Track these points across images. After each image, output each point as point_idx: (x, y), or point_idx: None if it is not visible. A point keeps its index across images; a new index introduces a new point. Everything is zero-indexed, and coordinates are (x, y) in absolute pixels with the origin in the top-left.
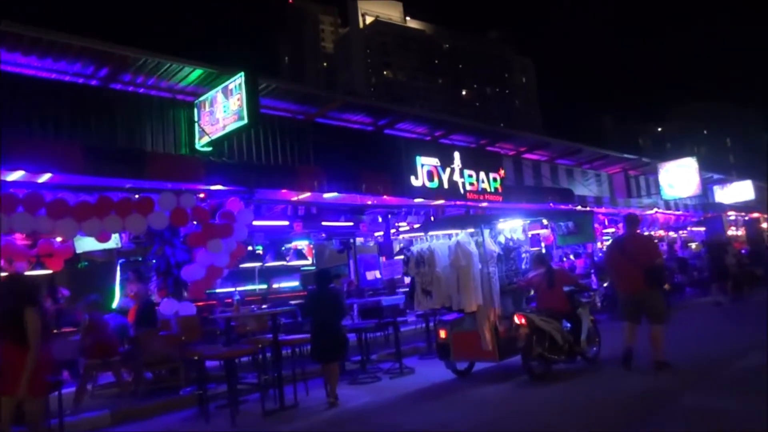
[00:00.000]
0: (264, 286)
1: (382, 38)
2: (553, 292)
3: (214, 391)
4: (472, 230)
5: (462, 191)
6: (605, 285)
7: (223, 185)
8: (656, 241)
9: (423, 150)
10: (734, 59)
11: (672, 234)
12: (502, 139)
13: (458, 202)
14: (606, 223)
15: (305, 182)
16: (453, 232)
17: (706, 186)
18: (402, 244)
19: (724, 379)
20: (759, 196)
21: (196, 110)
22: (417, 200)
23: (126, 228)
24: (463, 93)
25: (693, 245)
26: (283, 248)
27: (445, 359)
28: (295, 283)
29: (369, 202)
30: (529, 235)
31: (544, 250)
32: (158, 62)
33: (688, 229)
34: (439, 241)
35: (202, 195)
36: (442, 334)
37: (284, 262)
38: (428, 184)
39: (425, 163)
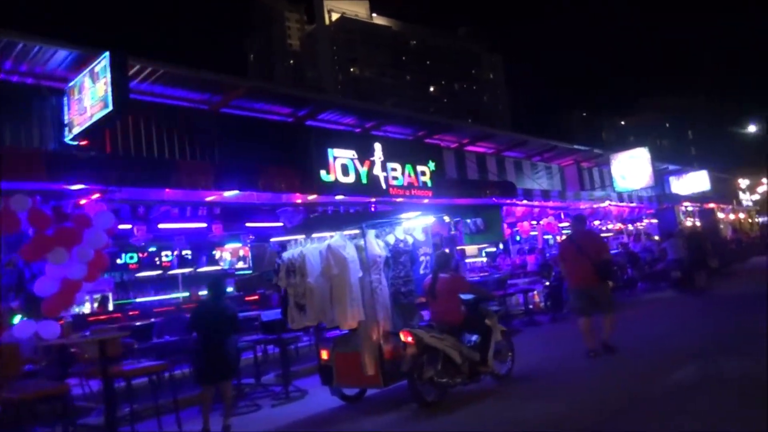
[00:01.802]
0: (186, 295)
1: (349, 35)
2: (445, 302)
3: None
4: (356, 231)
5: (384, 186)
6: (547, 283)
7: (71, 183)
8: (603, 237)
9: (337, 142)
10: (696, 53)
11: (630, 227)
12: (442, 130)
13: (378, 198)
14: (562, 216)
15: (195, 179)
16: (328, 234)
17: (663, 177)
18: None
19: (654, 399)
20: (715, 186)
21: (66, 98)
22: (339, 197)
23: None
24: (432, 89)
25: (645, 238)
26: (214, 253)
27: (328, 384)
28: (229, 289)
29: (299, 201)
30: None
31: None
32: (6, 42)
33: (645, 221)
34: (312, 246)
35: (87, 199)
36: (324, 354)
37: (213, 268)
38: (342, 179)
39: (339, 155)
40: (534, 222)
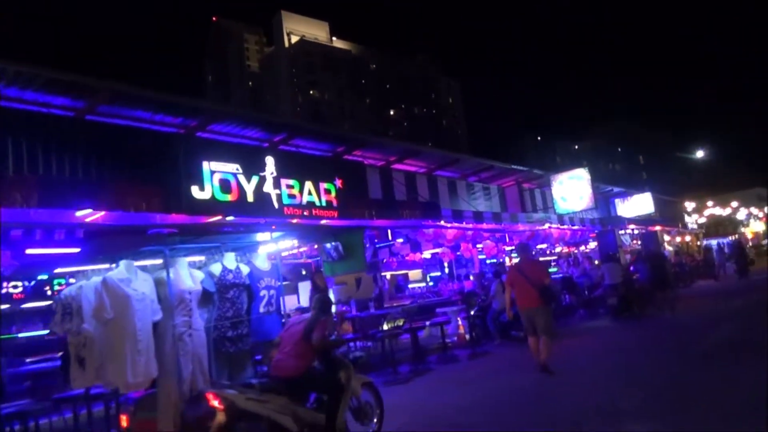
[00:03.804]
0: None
1: (308, 58)
2: (287, 351)
3: None
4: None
5: (276, 205)
6: (473, 313)
7: None
8: (549, 260)
9: (217, 154)
10: (646, 81)
11: (575, 250)
12: (362, 146)
13: (269, 219)
14: (507, 239)
15: (9, 196)
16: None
17: (609, 199)
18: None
19: None
20: (662, 209)
21: None
22: (231, 218)
23: None
24: (392, 113)
25: (587, 261)
26: None
27: None
28: None
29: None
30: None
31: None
32: None
33: (593, 244)
34: (94, 279)
35: None
36: (124, 421)
37: None
38: (220, 196)
39: (217, 169)
40: (471, 245)
